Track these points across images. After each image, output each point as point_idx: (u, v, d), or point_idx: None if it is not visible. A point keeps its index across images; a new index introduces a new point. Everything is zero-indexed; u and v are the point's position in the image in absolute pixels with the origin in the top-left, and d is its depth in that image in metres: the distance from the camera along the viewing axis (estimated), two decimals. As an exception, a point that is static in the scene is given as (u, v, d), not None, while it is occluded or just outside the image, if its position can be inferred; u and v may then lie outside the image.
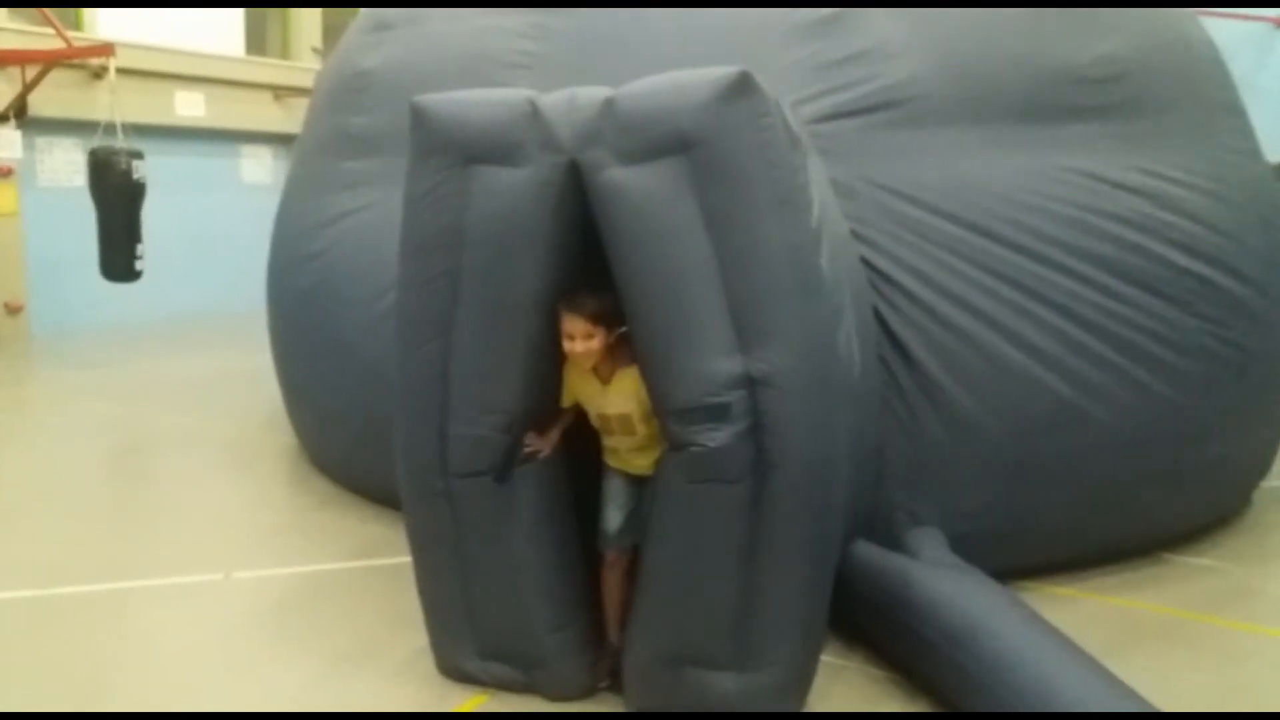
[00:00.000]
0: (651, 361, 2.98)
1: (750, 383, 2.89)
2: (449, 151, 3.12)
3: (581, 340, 3.07)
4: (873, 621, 3.63)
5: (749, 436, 2.90)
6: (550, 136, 3.02)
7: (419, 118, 3.19)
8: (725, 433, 2.88)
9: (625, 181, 2.95)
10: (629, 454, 3.30)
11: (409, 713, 3.19)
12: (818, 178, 3.65)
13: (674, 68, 3.12)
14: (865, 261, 4.05)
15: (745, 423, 2.89)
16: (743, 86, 2.91)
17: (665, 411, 2.97)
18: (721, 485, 2.93)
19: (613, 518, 3.33)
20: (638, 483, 3.31)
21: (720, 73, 2.92)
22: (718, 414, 2.88)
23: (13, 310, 11.00)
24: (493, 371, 3.12)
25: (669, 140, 2.92)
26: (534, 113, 3.05)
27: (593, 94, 3.05)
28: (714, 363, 2.89)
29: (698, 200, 2.91)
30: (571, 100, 3.06)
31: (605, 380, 3.20)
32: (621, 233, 2.96)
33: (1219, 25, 5.89)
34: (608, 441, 3.33)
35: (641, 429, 3.21)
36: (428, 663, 3.52)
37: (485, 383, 3.13)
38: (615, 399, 3.19)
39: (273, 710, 3.30)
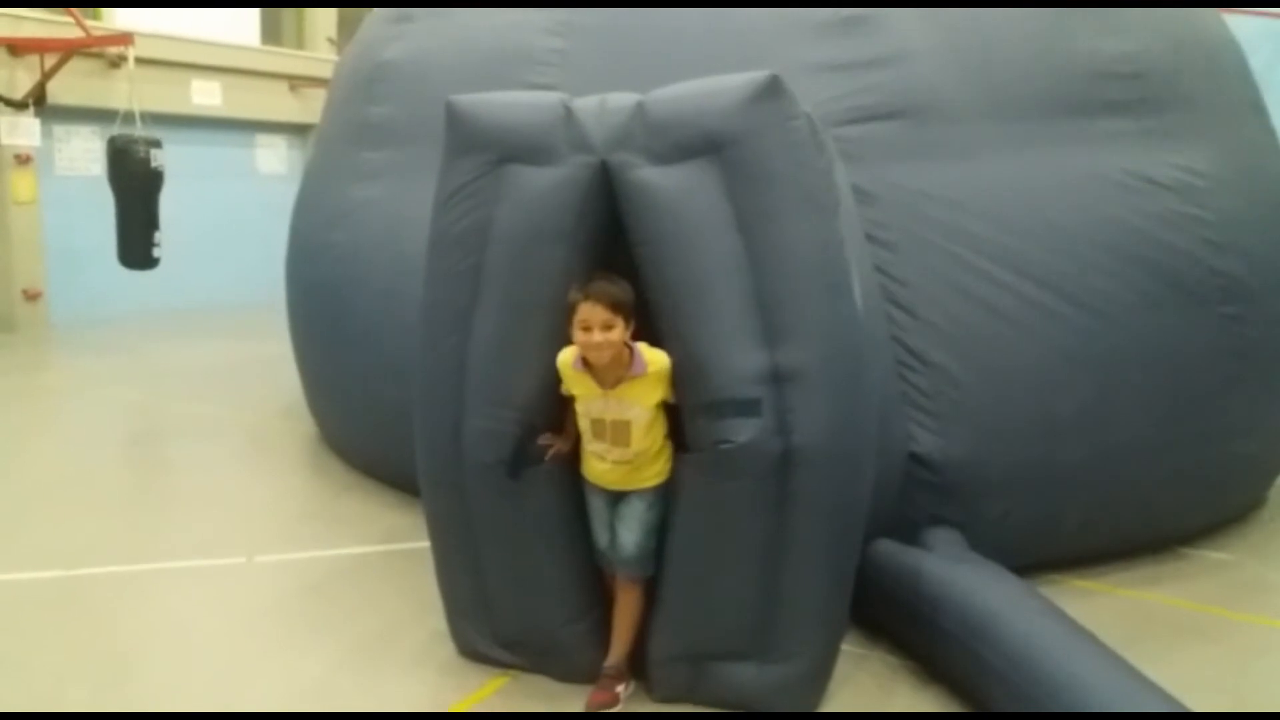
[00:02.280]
0: (681, 357, 3.00)
1: (778, 378, 2.92)
2: (482, 150, 3.17)
3: (600, 331, 2.92)
4: (892, 614, 3.65)
5: (777, 433, 2.93)
6: (582, 138, 3.08)
7: (454, 117, 3.24)
8: (754, 428, 2.91)
9: (655, 181, 3.00)
10: (612, 466, 3.12)
11: (410, 712, 3.20)
12: (842, 182, 3.68)
13: (698, 68, 3.20)
14: (886, 267, 4.04)
15: (773, 419, 2.92)
16: (772, 90, 2.99)
17: (694, 407, 2.99)
18: (748, 482, 2.96)
19: (601, 535, 3.25)
20: (615, 501, 3.20)
21: (750, 76, 3.00)
22: (747, 409, 2.91)
23: (31, 297, 11.08)
24: (510, 367, 3.15)
25: (699, 141, 2.98)
26: (567, 115, 3.12)
27: (624, 98, 3.13)
28: (743, 358, 2.92)
29: (728, 200, 2.97)
30: (603, 104, 3.14)
31: (609, 385, 3.04)
32: (652, 230, 3.01)
33: (1236, 20, 5.87)
34: (593, 447, 3.15)
35: (637, 442, 3.06)
36: (449, 646, 3.56)
37: (502, 378, 3.16)
38: (617, 406, 3.06)
39: (299, 691, 3.35)
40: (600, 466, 3.16)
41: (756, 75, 2.99)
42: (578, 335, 2.95)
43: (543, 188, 3.09)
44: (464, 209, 3.18)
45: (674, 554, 3.14)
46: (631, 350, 3.02)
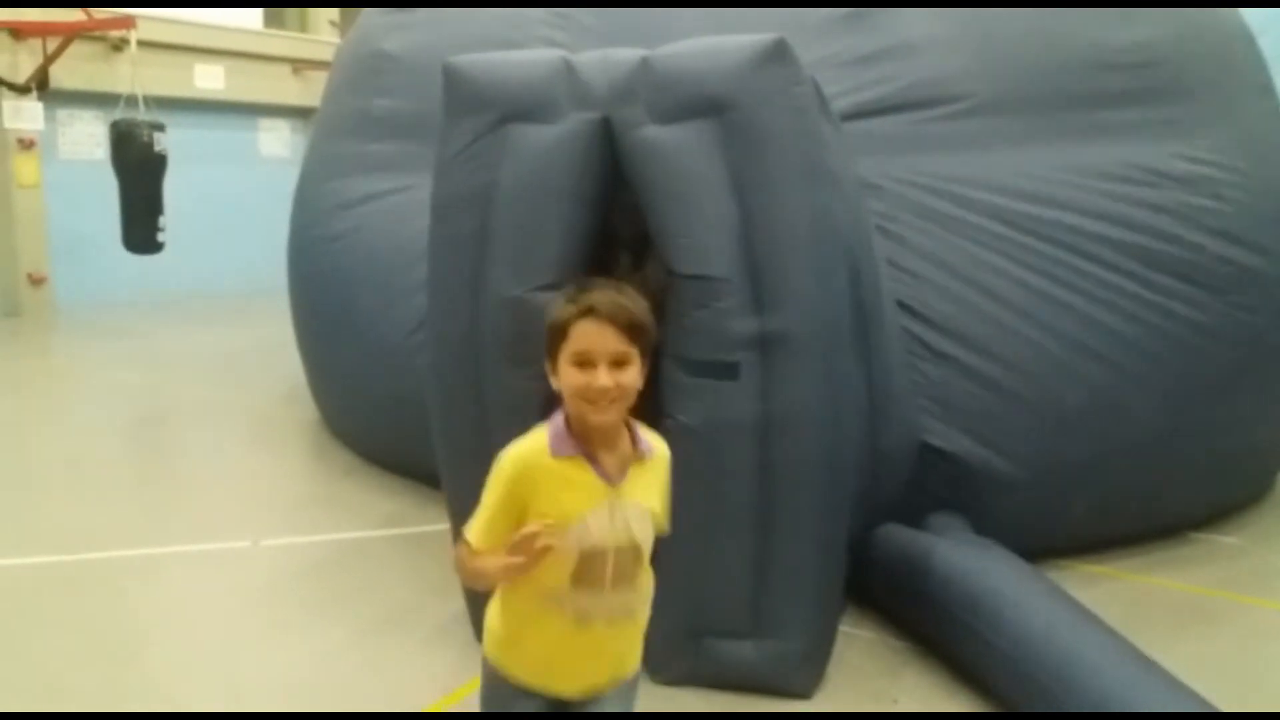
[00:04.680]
0: (668, 312, 2.98)
1: (763, 344, 2.93)
2: (482, 111, 3.14)
3: (609, 369, 1.75)
4: (896, 596, 3.65)
5: (757, 398, 2.93)
6: (584, 93, 3.05)
7: (452, 78, 3.21)
8: (730, 392, 2.92)
9: (657, 139, 2.98)
10: (606, 629, 1.86)
11: (395, 712, 3.17)
12: (847, 157, 3.66)
13: None
14: (895, 259, 4.02)
15: (754, 384, 2.93)
16: (777, 53, 2.97)
17: (674, 360, 2.99)
18: (728, 445, 2.97)
19: None
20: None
21: (756, 38, 2.98)
22: (726, 372, 2.93)
23: (36, 281, 11.09)
24: (525, 326, 3.09)
25: (702, 102, 2.96)
26: (568, 69, 3.09)
27: (628, 53, 3.09)
28: (731, 321, 2.92)
29: (726, 163, 2.95)
30: (606, 58, 3.11)
31: (618, 475, 1.83)
32: (652, 188, 3.00)
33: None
34: (575, 603, 1.82)
35: (645, 573, 1.95)
36: (457, 629, 3.56)
37: (519, 338, 3.11)
38: (624, 517, 1.83)
39: (304, 675, 3.36)
40: (577, 645, 1.85)
41: (763, 37, 2.96)
42: (569, 376, 1.76)
43: (545, 145, 3.06)
44: (466, 171, 3.15)
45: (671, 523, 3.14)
46: (630, 423, 1.89)
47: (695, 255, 2.93)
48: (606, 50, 3.14)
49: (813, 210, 3.01)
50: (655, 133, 2.98)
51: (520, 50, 3.49)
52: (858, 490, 3.41)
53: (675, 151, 2.96)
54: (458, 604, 3.53)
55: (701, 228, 2.94)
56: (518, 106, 3.10)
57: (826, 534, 3.13)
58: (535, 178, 3.07)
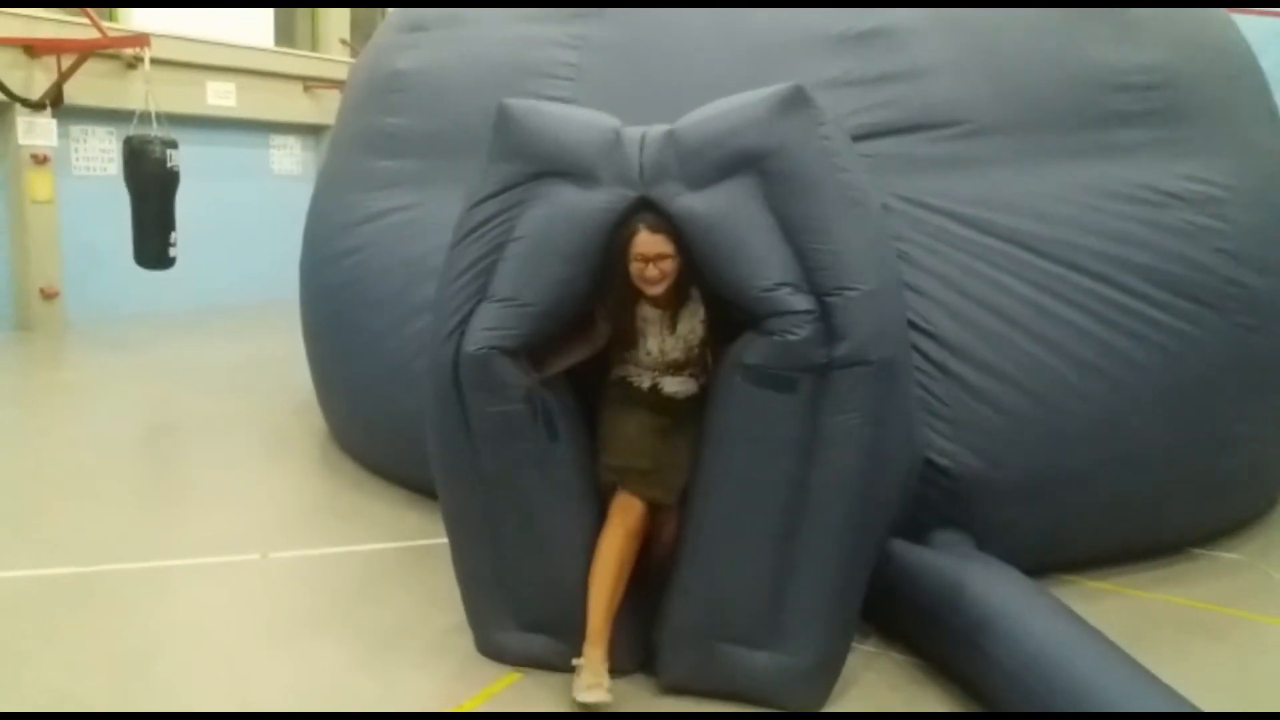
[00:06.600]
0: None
1: (827, 367, 2.99)
2: (526, 161, 3.21)
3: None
4: (902, 613, 3.67)
5: (809, 415, 2.99)
6: (625, 170, 3.14)
7: (504, 121, 3.27)
8: (784, 404, 3.00)
9: (696, 206, 3.06)
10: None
11: (412, 712, 3.22)
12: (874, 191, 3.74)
13: (712, 84, 3.30)
14: (903, 278, 4.07)
15: (808, 400, 2.99)
16: (797, 100, 3.05)
17: (736, 362, 3.07)
18: (772, 458, 3.03)
19: None
20: None
21: (774, 89, 3.06)
22: (784, 385, 3.00)
23: (48, 296, 11.16)
24: (481, 371, 3.18)
25: (733, 160, 3.05)
26: (617, 141, 3.17)
27: (657, 130, 3.20)
28: (805, 349, 2.98)
29: (770, 209, 3.03)
30: (643, 137, 3.20)
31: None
32: (706, 250, 3.08)
33: (1245, 20, 5.84)
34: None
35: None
36: (462, 641, 3.60)
37: (503, 364, 3.18)
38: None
39: (313, 687, 3.39)
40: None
41: (780, 87, 3.05)
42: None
43: (574, 208, 3.13)
44: (491, 212, 3.22)
45: (693, 526, 3.20)
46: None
47: (770, 300, 2.99)
48: (646, 128, 3.21)
49: (864, 242, 3.08)
50: (692, 200, 3.06)
51: (576, 108, 3.57)
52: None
53: (720, 211, 3.03)
54: (461, 616, 3.58)
55: (767, 273, 2.99)
56: (561, 164, 3.17)
57: (852, 557, 3.17)
58: (554, 233, 3.14)
